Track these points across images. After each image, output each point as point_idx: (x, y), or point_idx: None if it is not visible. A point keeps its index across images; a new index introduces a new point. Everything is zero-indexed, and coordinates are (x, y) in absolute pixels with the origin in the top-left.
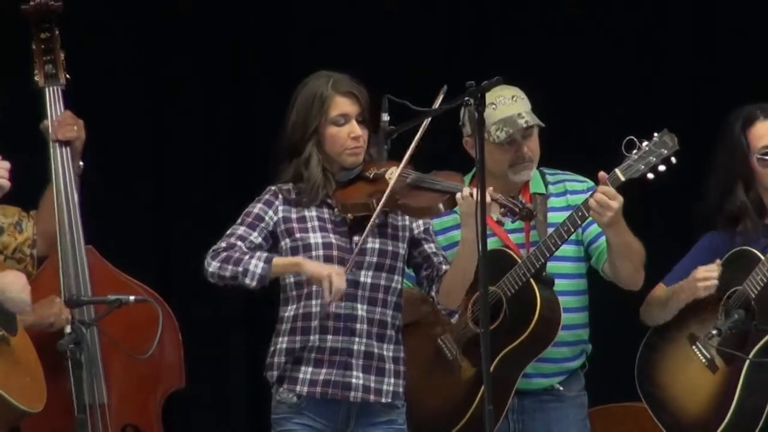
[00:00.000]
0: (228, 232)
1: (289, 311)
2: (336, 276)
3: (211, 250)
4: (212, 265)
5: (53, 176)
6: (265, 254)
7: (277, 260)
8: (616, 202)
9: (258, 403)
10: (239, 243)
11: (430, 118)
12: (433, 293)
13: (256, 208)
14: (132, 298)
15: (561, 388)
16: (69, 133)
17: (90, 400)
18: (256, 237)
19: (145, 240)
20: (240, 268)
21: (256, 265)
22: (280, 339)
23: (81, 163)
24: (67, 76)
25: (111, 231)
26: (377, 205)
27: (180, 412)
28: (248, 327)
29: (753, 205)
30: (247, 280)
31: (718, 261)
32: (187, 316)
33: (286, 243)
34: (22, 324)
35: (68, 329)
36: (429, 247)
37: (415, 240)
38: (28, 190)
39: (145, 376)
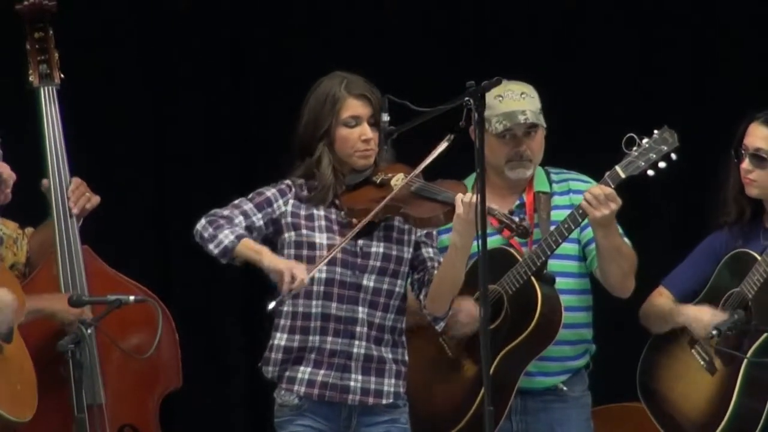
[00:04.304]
0: (235, 202)
1: (286, 305)
2: (297, 269)
3: (211, 212)
4: (200, 223)
5: (53, 212)
6: (242, 231)
7: (247, 241)
8: (614, 203)
9: (258, 404)
10: (240, 218)
11: (451, 142)
12: (421, 297)
13: (269, 192)
14: (132, 298)
15: (565, 388)
16: (88, 205)
17: (88, 401)
18: (259, 219)
19: (145, 240)
20: (214, 233)
21: (227, 236)
22: (278, 335)
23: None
24: (62, 75)
25: (110, 231)
26: (376, 211)
27: (179, 413)
28: (248, 327)
29: (749, 207)
30: (212, 246)
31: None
32: (186, 315)
33: (290, 236)
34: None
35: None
36: (426, 252)
37: (416, 243)
38: (26, 191)
39: (142, 376)
